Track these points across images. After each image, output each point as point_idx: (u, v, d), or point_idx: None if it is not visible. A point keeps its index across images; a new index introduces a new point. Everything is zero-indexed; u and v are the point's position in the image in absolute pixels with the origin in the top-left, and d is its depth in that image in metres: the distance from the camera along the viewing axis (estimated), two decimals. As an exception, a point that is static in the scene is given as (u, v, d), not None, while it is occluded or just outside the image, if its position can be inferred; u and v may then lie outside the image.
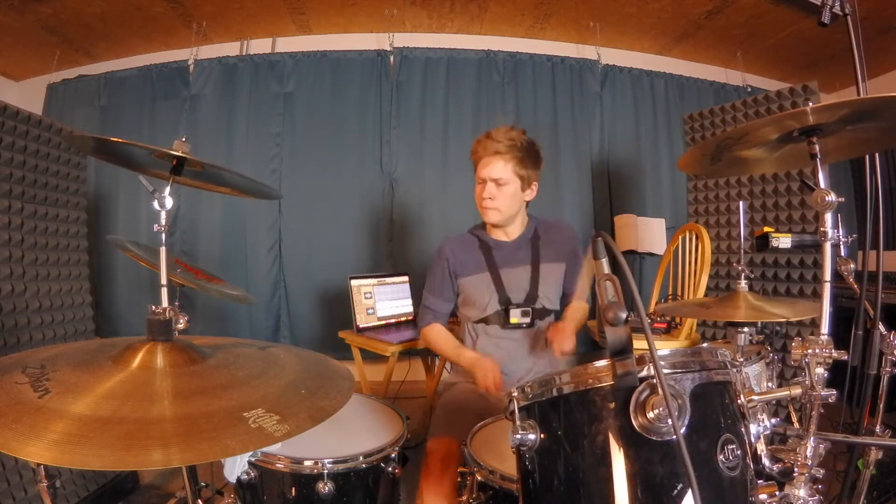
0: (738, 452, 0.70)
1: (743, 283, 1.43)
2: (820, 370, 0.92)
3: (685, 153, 1.14)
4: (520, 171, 1.56)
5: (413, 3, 3.38)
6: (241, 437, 0.62)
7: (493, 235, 1.69)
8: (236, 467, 1.04)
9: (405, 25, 3.67)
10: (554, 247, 1.66)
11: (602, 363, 0.69)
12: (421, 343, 1.86)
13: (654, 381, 0.65)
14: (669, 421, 0.62)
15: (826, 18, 1.12)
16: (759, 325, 1.54)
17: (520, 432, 0.74)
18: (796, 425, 1.09)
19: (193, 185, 1.30)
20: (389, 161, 3.57)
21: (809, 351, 0.92)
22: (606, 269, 0.69)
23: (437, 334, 1.68)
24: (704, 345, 1.14)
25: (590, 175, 3.74)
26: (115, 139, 1.02)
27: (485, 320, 1.61)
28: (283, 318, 3.58)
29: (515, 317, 1.58)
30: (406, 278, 2.67)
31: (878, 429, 1.22)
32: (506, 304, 1.59)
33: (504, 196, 1.57)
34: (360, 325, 2.38)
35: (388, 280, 2.59)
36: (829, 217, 0.96)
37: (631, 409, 0.66)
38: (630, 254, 3.14)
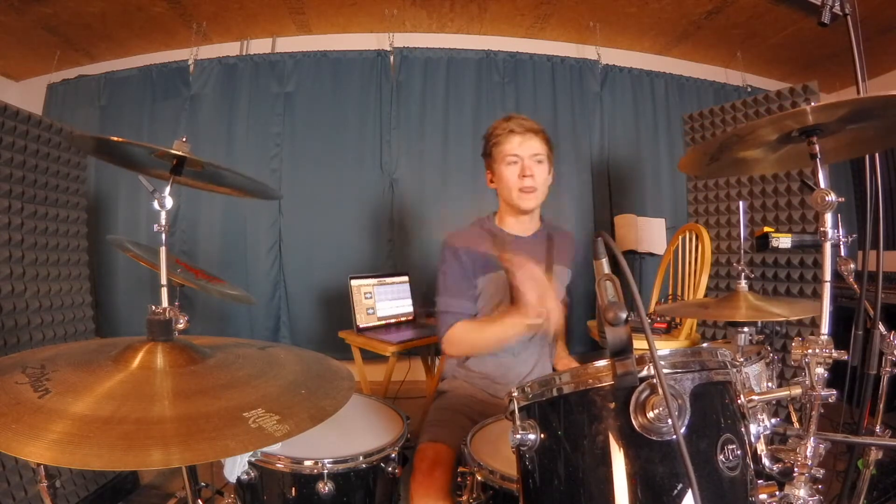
0: (738, 452, 0.70)
1: (743, 283, 1.43)
2: (820, 370, 0.92)
3: (685, 155, 1.14)
4: (549, 151, 1.52)
5: (413, 3, 3.38)
6: (241, 437, 0.61)
7: (508, 228, 1.59)
8: (236, 467, 1.03)
9: (405, 25, 3.66)
10: (560, 250, 1.63)
11: (602, 363, 0.69)
12: (452, 351, 1.52)
13: (654, 380, 0.65)
14: (669, 421, 0.62)
15: (826, 18, 1.12)
16: (759, 325, 1.54)
17: (520, 432, 0.74)
18: (796, 425, 1.09)
19: (193, 186, 1.30)
20: (389, 161, 3.57)
21: (809, 351, 0.92)
22: (606, 269, 0.69)
23: (465, 328, 1.48)
24: (704, 345, 1.14)
25: (590, 175, 3.74)
26: (115, 139, 1.02)
27: None
28: (283, 318, 3.57)
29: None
30: (406, 278, 2.67)
31: (878, 429, 1.22)
32: None
33: (542, 175, 1.50)
34: (360, 325, 2.38)
35: (388, 280, 2.59)
36: (829, 217, 0.96)
37: (631, 409, 0.66)
38: (630, 254, 3.14)
